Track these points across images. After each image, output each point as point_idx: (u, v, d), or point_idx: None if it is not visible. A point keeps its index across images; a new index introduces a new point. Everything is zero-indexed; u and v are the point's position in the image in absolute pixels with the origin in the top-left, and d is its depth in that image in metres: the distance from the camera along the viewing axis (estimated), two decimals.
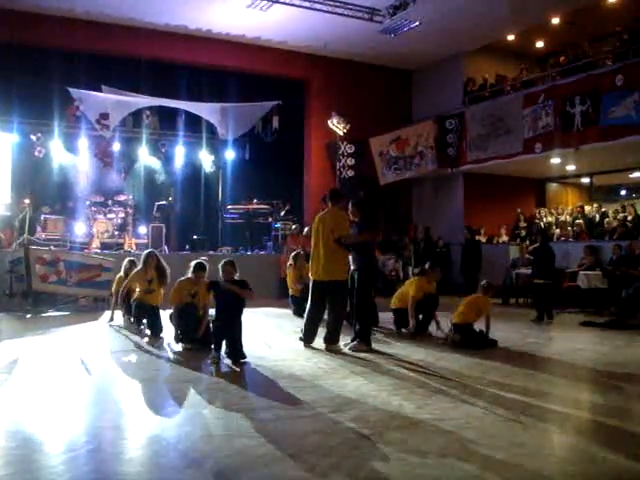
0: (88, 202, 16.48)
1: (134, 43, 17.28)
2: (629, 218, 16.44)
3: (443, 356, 8.07)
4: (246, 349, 7.55)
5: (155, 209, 17.03)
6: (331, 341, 8.45)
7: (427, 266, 10.20)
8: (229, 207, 18.13)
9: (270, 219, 17.73)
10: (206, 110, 16.99)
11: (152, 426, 4.92)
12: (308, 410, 5.38)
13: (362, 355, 8.05)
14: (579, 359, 8.21)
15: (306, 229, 16.99)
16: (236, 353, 7.46)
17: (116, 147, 17.26)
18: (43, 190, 16.52)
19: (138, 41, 17.31)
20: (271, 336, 9.52)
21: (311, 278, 8.65)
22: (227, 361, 7.38)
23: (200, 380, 6.61)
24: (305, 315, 8.77)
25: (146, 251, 10.24)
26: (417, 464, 4.10)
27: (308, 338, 8.65)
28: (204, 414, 5.31)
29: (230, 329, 7.49)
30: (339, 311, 8.54)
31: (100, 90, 15.53)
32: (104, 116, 15.14)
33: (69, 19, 16.55)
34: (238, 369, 7.03)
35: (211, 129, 17.74)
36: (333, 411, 5.31)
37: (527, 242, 16.90)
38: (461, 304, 9.27)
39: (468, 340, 8.82)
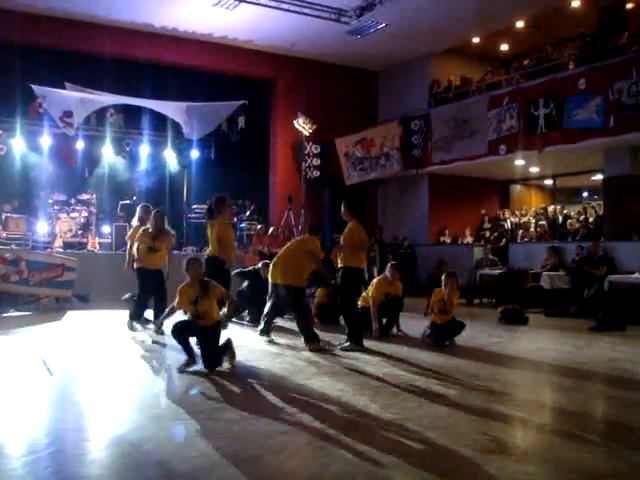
0: (51, 201, 16.21)
1: (98, 40, 17.04)
2: (590, 219, 16.66)
3: (408, 357, 8.09)
4: None
5: (119, 208, 16.83)
6: (308, 341, 8.60)
7: (387, 267, 10.26)
8: (194, 207, 18.00)
9: (235, 219, 17.64)
10: (171, 109, 16.82)
11: (115, 427, 4.85)
12: (273, 410, 5.35)
13: (328, 356, 8.06)
14: (542, 358, 8.32)
15: (271, 229, 16.97)
16: (215, 359, 7.00)
17: (80, 145, 17.00)
18: (4, 188, 16.22)
19: (102, 38, 17.05)
20: (235, 336, 9.42)
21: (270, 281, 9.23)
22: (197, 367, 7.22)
23: (164, 381, 6.55)
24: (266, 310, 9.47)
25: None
26: (382, 465, 4.09)
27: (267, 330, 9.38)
28: (168, 415, 5.26)
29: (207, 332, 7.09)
30: (300, 313, 8.84)
31: (64, 87, 15.29)
32: (67, 114, 14.91)
33: (32, 14, 16.28)
34: (203, 371, 6.92)
35: (176, 128, 17.56)
36: (298, 411, 5.29)
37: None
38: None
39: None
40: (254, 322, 10.64)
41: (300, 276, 8.85)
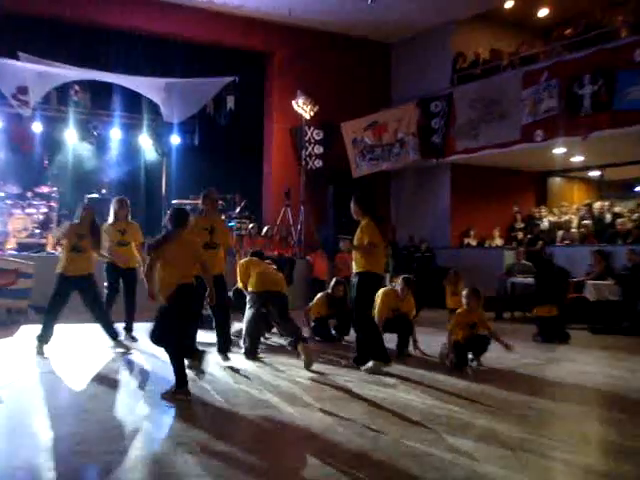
0: (2, 194, 16.15)
1: (59, 2, 16.95)
2: None
3: (425, 380, 8.03)
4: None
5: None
6: (302, 340, 8.99)
7: (399, 281, 10.22)
8: (174, 202, 17.93)
9: (223, 216, 17.55)
10: (147, 86, 16.80)
11: (76, 466, 4.78)
12: (267, 444, 5.31)
13: (331, 379, 7.99)
14: (587, 385, 8.22)
15: (265, 229, 16.92)
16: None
17: (37, 128, 17.00)
18: None
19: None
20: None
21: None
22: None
23: (135, 410, 6.46)
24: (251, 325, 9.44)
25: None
26: None
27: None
28: (140, 449, 5.18)
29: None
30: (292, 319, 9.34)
31: (17, 58, 15.20)
32: (22, 90, 14.84)
33: None
34: (180, 396, 6.84)
35: (153, 109, 17.60)
36: (297, 445, 5.26)
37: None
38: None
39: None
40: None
41: None
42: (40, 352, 9.30)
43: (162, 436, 5.59)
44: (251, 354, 9.27)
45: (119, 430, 5.69)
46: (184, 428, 5.76)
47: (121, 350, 9.55)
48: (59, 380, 7.81)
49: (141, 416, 6.25)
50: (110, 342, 9.76)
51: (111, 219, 10.69)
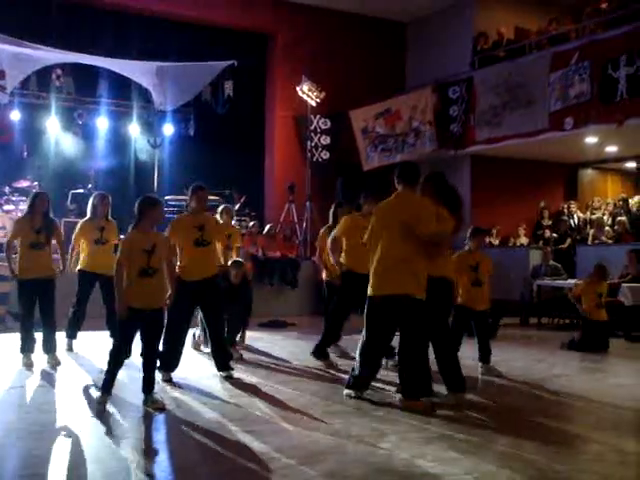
0: None
1: None
2: None
3: (440, 392, 7.89)
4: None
5: (69, 199, 16.77)
6: (411, 394, 7.18)
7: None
8: (168, 198, 17.92)
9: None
10: (138, 70, 16.81)
11: None
12: (269, 463, 5.23)
13: (338, 390, 7.81)
14: (625, 400, 8.04)
15: (267, 227, 16.85)
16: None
17: (16, 117, 17.07)
18: None
19: None
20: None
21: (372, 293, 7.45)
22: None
23: (106, 430, 6.25)
24: (365, 347, 7.46)
25: None
26: None
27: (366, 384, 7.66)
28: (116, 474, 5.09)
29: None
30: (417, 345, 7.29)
31: None
32: None
33: None
34: (161, 407, 6.79)
35: (144, 96, 17.61)
36: (303, 463, 5.18)
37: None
38: None
39: None
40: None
41: None
42: (27, 363, 9.13)
43: (146, 454, 5.49)
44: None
45: (83, 455, 5.54)
46: (166, 451, 5.70)
47: (51, 364, 9.25)
48: (37, 399, 7.66)
49: (117, 438, 6.13)
50: (44, 355, 9.41)
51: (89, 215, 10.56)
